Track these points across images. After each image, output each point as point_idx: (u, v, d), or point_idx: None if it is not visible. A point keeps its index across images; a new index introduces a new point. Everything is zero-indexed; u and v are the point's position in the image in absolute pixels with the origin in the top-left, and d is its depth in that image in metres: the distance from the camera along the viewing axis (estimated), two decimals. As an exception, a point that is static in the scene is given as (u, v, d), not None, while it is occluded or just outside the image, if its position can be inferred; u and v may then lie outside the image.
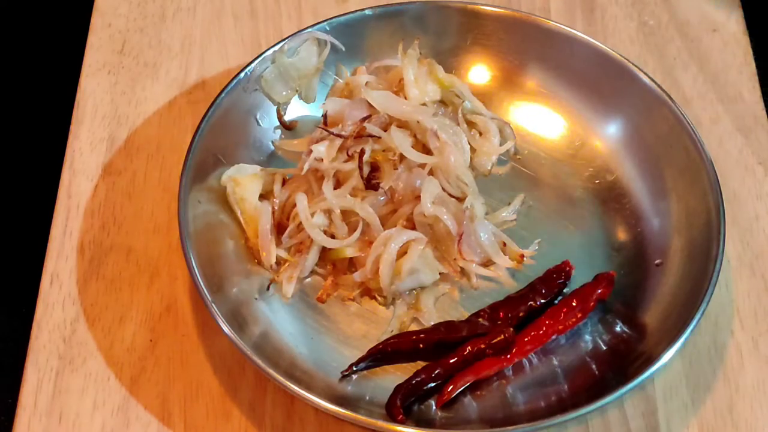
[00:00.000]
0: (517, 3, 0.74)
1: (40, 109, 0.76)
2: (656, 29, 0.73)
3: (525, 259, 0.61)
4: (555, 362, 0.56)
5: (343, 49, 0.66)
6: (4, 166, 0.74)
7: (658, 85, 0.63)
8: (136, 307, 0.60)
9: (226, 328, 0.53)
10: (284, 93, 0.65)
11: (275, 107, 0.65)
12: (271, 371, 0.52)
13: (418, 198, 0.59)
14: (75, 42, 0.72)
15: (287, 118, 0.65)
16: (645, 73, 0.64)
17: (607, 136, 0.65)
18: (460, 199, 0.60)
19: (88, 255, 0.61)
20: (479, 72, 0.68)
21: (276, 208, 0.61)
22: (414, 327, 0.58)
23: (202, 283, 0.54)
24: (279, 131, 0.65)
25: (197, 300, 0.54)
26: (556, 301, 0.58)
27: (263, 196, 0.61)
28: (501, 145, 0.65)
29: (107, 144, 0.66)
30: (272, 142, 0.65)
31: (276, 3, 0.74)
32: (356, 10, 0.66)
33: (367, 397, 0.54)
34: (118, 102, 0.69)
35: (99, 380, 0.57)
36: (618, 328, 0.57)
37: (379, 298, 0.59)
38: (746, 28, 0.73)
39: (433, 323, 0.58)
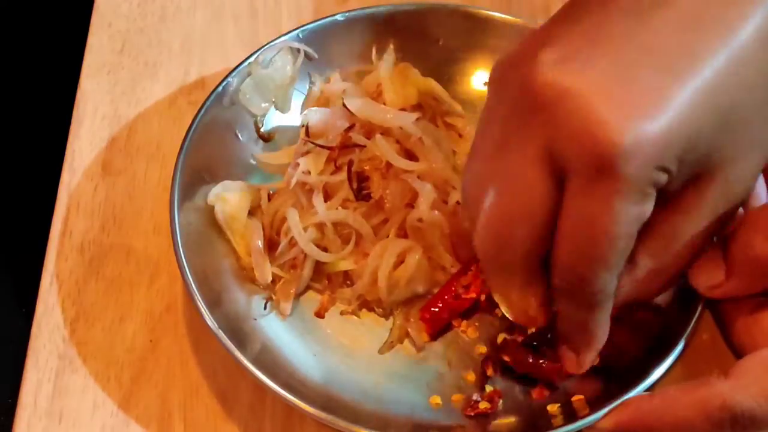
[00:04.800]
0: (517, 3, 0.74)
1: (40, 109, 0.77)
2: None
3: None
4: None
5: (317, 56, 0.66)
6: (4, 166, 0.74)
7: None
8: (136, 307, 0.60)
9: (228, 344, 0.53)
10: (262, 105, 0.64)
11: (252, 120, 0.64)
12: (271, 383, 0.51)
13: (408, 206, 0.59)
14: (75, 42, 0.72)
15: (263, 129, 0.65)
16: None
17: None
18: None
19: (88, 255, 0.62)
20: (456, 73, 0.67)
21: (265, 224, 0.60)
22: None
23: (205, 308, 0.54)
24: (257, 144, 0.64)
25: (197, 300, 0.55)
26: None
27: (251, 213, 0.61)
28: None
29: (107, 144, 0.66)
30: (252, 155, 0.64)
31: (276, 3, 0.74)
32: (327, 16, 0.66)
33: (369, 409, 0.54)
34: (118, 102, 0.69)
35: (99, 380, 0.57)
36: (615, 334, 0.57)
37: (377, 310, 0.59)
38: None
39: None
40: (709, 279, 0.52)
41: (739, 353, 0.54)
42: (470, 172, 0.49)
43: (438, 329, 0.58)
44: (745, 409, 0.46)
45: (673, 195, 0.46)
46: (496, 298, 0.51)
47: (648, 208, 0.44)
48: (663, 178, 0.43)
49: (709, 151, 0.44)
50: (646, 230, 0.46)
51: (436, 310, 0.57)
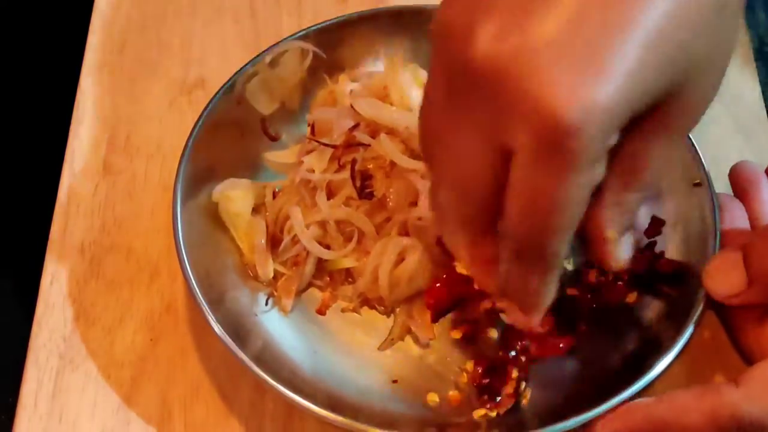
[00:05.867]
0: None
1: (40, 109, 0.77)
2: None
3: None
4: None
5: (325, 56, 0.66)
6: (4, 166, 0.74)
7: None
8: (136, 307, 0.60)
9: (228, 342, 0.53)
10: (269, 104, 0.65)
11: (259, 119, 0.64)
12: (272, 381, 0.51)
13: (411, 204, 0.59)
14: (75, 42, 0.72)
15: (271, 128, 0.65)
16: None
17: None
18: None
19: (88, 255, 0.62)
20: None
21: (269, 221, 0.60)
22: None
23: (205, 304, 0.54)
24: (264, 143, 0.64)
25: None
26: None
27: (255, 210, 0.61)
28: None
29: (107, 144, 0.66)
30: (259, 154, 0.64)
31: (276, 3, 0.74)
32: (337, 17, 0.66)
33: (369, 406, 0.54)
34: (118, 102, 0.69)
35: (99, 380, 0.57)
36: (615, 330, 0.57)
37: (378, 308, 0.59)
38: (747, 29, 0.73)
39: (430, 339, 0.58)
40: (729, 288, 0.52)
41: (748, 358, 0.53)
42: (424, 124, 0.46)
43: (440, 309, 0.57)
44: (755, 420, 0.46)
45: (626, 137, 0.43)
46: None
47: (601, 170, 0.42)
48: (615, 138, 0.41)
49: (659, 94, 0.42)
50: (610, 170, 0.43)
51: (438, 285, 0.56)
